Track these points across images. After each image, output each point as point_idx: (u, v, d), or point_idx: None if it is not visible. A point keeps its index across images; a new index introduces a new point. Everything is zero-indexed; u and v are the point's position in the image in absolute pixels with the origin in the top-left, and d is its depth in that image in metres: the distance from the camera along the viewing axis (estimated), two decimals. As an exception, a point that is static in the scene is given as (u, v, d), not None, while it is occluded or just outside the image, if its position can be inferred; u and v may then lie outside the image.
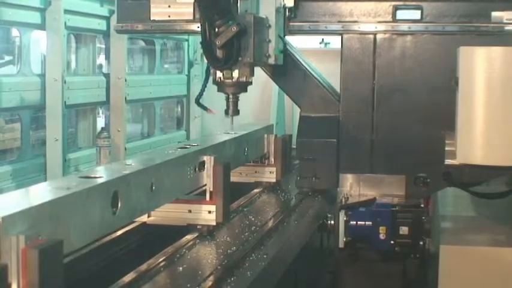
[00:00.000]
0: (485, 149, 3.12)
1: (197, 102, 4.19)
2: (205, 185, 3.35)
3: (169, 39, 8.22)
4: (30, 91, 6.01)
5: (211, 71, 3.86)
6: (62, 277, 1.96)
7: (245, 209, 3.93)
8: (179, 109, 8.64)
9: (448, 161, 3.35)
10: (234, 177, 3.77)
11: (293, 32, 4.60)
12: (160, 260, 2.84)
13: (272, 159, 4.53)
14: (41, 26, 6.03)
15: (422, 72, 4.46)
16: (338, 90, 4.61)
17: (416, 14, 4.48)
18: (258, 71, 4.72)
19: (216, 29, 3.56)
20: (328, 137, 4.50)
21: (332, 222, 4.38)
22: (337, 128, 4.54)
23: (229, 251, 3.08)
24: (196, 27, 4.00)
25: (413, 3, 4.48)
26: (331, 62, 4.89)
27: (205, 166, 3.36)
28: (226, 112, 3.98)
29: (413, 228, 4.25)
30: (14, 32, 7.69)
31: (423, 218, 4.29)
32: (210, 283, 2.65)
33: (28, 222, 1.94)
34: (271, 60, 4.07)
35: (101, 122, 7.56)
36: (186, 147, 3.44)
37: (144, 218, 3.19)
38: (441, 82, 4.28)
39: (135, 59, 8.35)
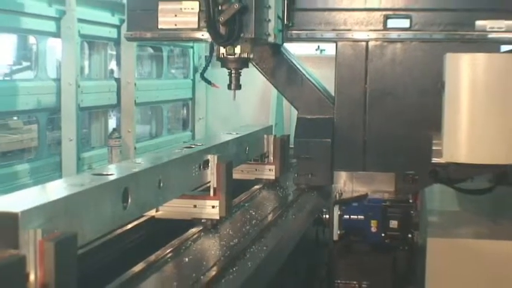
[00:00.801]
0: (469, 148, 3.12)
1: (202, 76, 4.19)
2: (209, 181, 3.34)
3: (176, 46, 8.21)
4: (47, 94, 6.01)
5: (215, 47, 3.85)
6: (76, 267, 1.96)
7: (246, 204, 3.92)
8: (185, 111, 8.63)
9: (434, 160, 3.35)
10: (235, 175, 3.76)
11: (291, 40, 4.59)
12: (168, 251, 2.83)
13: (271, 158, 4.52)
14: (56, 34, 6.02)
15: (411, 77, 4.45)
16: (332, 93, 4.60)
17: (405, 23, 4.47)
18: (258, 75, 4.74)
19: (220, 7, 3.57)
20: (324, 137, 4.50)
21: (327, 216, 4.39)
22: (332, 128, 4.53)
23: (231, 243, 3.07)
24: (200, 35, 4.00)
25: (403, 12, 4.47)
26: (326, 68, 4.89)
27: (209, 164, 3.36)
28: (229, 86, 3.96)
29: (403, 222, 4.26)
30: (31, 39, 7.69)
31: (411, 212, 4.30)
32: (213, 273, 2.65)
33: (45, 217, 1.94)
34: (271, 39, 4.02)
35: (112, 123, 7.55)
36: (192, 147, 3.43)
37: (152, 213, 3.19)
38: (428, 86, 4.28)
39: (144, 64, 8.34)
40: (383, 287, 4.48)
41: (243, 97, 4.33)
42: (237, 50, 3.76)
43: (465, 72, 3.12)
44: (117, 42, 6.98)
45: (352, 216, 4.32)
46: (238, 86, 3.95)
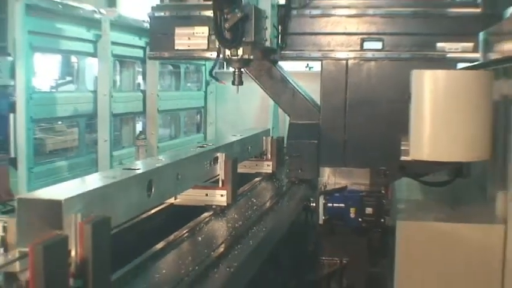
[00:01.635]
0: (431, 148, 3.11)
1: (210, 73, 4.17)
2: (218, 175, 3.35)
3: (191, 64, 8.21)
4: (85, 103, 6.02)
5: (221, 50, 3.82)
6: (110, 245, 1.95)
7: (248, 193, 3.92)
8: (198, 117, 8.63)
9: (403, 157, 3.35)
10: (240, 169, 3.76)
11: (284, 58, 4.59)
12: (184, 232, 2.83)
13: (269, 155, 4.52)
14: (94, 54, 6.04)
15: (384, 89, 4.44)
16: (319, 103, 4.60)
17: (378, 45, 4.47)
18: (258, 89, 4.72)
19: (225, 16, 3.55)
20: (311, 138, 4.48)
21: (314, 204, 4.37)
22: (318, 131, 4.52)
23: (236, 225, 3.07)
24: (209, 54, 3.98)
25: (376, 36, 4.47)
26: (313, 82, 4.87)
27: (218, 161, 3.36)
28: (233, 83, 3.94)
29: (376, 209, 4.25)
30: (73, 58, 7.66)
31: (384, 201, 4.28)
32: (221, 249, 2.65)
33: (83, 203, 1.94)
34: (268, 44, 4.01)
35: (139, 127, 7.56)
36: (204, 146, 3.43)
37: (171, 200, 3.18)
38: (398, 97, 4.24)
39: (165, 79, 8.34)
40: (360, 263, 4.48)
41: (246, 106, 4.32)
42: (240, 52, 3.75)
43: (428, 86, 3.11)
44: (143, 60, 6.99)
45: (334, 204, 4.30)
46: (241, 82, 3.94)
